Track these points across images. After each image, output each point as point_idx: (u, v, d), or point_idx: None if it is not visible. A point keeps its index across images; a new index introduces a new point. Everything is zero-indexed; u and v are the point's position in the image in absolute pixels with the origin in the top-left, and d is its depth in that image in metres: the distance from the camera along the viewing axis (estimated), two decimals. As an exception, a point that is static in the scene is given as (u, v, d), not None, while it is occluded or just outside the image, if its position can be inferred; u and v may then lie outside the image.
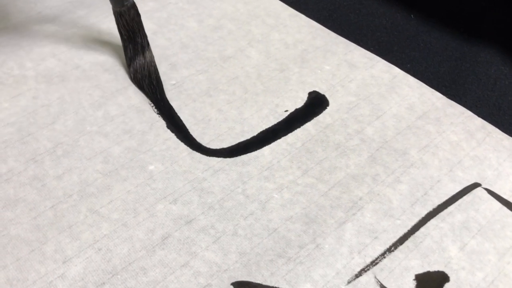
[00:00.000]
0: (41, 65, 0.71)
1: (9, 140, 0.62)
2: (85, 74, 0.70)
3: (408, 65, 0.77)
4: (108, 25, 0.78)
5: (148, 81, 0.69)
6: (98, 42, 0.75)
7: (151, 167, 0.61)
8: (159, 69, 0.72)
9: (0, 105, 0.66)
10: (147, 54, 0.70)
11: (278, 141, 0.65)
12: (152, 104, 0.67)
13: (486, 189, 0.61)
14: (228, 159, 0.62)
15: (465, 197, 0.60)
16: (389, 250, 0.55)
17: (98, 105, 0.67)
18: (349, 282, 0.52)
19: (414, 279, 0.53)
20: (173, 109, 0.68)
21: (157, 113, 0.67)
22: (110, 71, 0.71)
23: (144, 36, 0.70)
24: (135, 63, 0.70)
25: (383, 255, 0.54)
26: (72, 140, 0.62)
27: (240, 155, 0.63)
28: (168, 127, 0.65)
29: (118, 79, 0.70)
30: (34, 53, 0.73)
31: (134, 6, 0.68)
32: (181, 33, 0.79)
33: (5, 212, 0.55)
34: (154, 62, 0.71)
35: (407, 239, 0.56)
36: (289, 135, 0.66)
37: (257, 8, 0.85)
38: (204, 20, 0.81)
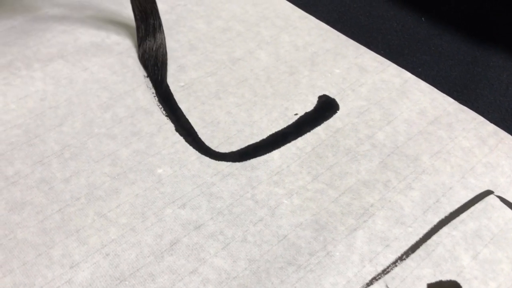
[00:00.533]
0: (49, 66, 0.70)
1: (16, 142, 0.61)
2: (93, 76, 0.70)
3: (419, 69, 0.76)
4: (117, 27, 0.77)
5: (153, 62, 0.71)
6: (106, 43, 0.75)
7: (160, 171, 0.60)
8: (168, 71, 0.71)
9: (7, 106, 0.65)
10: (158, 36, 0.72)
11: (288, 145, 0.64)
12: (160, 105, 0.67)
13: (498, 196, 0.61)
14: (237, 164, 0.61)
15: (477, 205, 0.60)
16: (401, 258, 0.54)
17: (106, 107, 0.66)
18: (360, 290, 0.51)
19: (426, 289, 0.52)
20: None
21: (166, 115, 0.66)
22: (118, 73, 0.70)
23: (156, 18, 0.72)
24: (145, 44, 0.72)
25: (394, 263, 0.53)
26: (79, 143, 0.62)
27: (249, 158, 0.62)
28: (176, 130, 0.64)
29: (126, 81, 0.70)
30: (41, 53, 0.72)
31: None
32: (189, 35, 0.78)
33: (12, 215, 0.54)
34: (164, 45, 0.73)
35: (419, 247, 0.55)
36: (299, 139, 0.65)
37: (266, 10, 0.84)
38: (213, 21, 0.81)
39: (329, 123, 0.67)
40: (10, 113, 0.64)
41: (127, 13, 0.79)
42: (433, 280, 0.53)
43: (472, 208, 0.59)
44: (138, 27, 0.73)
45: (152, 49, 0.72)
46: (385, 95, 0.71)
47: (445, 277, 0.53)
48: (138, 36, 0.73)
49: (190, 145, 0.63)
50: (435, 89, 0.72)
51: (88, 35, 0.76)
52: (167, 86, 0.70)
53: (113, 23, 0.78)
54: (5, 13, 0.78)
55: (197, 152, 0.62)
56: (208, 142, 0.63)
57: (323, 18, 0.83)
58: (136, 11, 0.71)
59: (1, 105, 0.65)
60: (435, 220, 0.58)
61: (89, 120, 0.64)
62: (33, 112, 0.65)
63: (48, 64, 0.71)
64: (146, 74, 0.71)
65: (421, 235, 0.56)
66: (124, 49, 0.74)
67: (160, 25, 0.72)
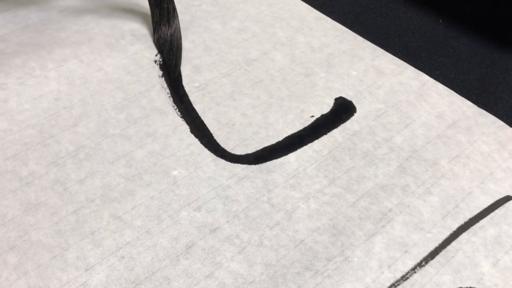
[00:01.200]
0: (63, 66, 0.70)
1: (30, 142, 0.61)
2: (107, 76, 0.69)
3: (437, 72, 0.75)
4: (131, 26, 0.77)
5: (168, 47, 0.72)
6: (120, 44, 0.74)
7: (175, 172, 0.59)
8: (182, 72, 0.70)
9: (22, 106, 0.64)
10: (172, 21, 0.73)
11: (304, 147, 0.63)
12: (175, 106, 0.66)
13: (519, 202, 0.59)
14: (253, 166, 0.61)
15: (497, 211, 0.58)
16: (420, 264, 0.53)
17: (121, 108, 0.65)
18: (378, 297, 0.50)
19: (446, 296, 0.51)
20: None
21: (181, 117, 0.65)
22: (133, 74, 0.70)
23: (170, 2, 0.73)
24: (160, 29, 0.73)
25: (413, 270, 0.52)
26: (94, 143, 0.61)
27: (265, 161, 0.61)
28: (191, 131, 0.64)
29: (141, 81, 0.69)
30: (55, 53, 0.72)
31: None
32: (204, 35, 0.77)
33: (26, 216, 0.54)
34: (179, 29, 0.74)
35: (438, 253, 0.54)
36: (316, 142, 0.64)
37: (281, 10, 0.83)
38: (228, 22, 0.80)
39: (346, 125, 0.66)
40: (25, 113, 0.64)
41: (142, 11, 0.79)
42: (452, 287, 0.52)
43: (492, 214, 0.58)
44: (152, 12, 0.74)
45: (167, 34, 0.73)
46: (403, 98, 0.70)
47: (465, 284, 0.52)
48: (153, 21, 0.74)
49: (205, 147, 0.62)
50: (453, 92, 0.71)
51: (102, 36, 0.75)
52: (180, 74, 0.70)
53: (127, 23, 0.77)
54: (19, 12, 0.78)
55: (212, 154, 0.61)
56: (223, 144, 0.63)
57: (340, 19, 0.83)
58: None
59: (16, 105, 0.64)
60: (455, 226, 0.57)
61: (104, 120, 0.64)
62: (47, 112, 0.64)
63: (62, 64, 0.70)
64: (160, 74, 0.70)
65: (440, 241, 0.55)
66: (138, 49, 0.73)
67: (174, 9, 0.73)
